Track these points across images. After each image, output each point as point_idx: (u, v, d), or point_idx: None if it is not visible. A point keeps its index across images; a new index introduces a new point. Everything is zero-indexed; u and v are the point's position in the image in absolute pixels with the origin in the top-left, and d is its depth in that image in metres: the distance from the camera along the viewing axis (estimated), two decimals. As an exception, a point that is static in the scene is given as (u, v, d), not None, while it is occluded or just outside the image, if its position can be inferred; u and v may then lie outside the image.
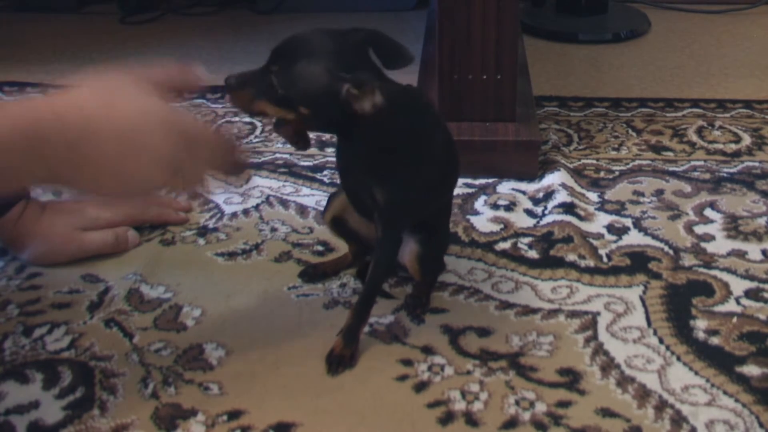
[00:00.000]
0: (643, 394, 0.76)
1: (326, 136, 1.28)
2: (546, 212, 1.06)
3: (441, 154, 0.83)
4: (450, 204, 0.92)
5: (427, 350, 0.83)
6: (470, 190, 1.12)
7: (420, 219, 0.85)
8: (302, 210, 1.08)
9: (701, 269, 0.94)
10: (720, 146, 1.23)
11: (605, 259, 0.96)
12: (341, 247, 0.98)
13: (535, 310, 0.88)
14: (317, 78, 0.71)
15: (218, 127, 0.76)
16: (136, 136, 0.68)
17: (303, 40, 0.73)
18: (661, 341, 0.83)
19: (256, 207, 1.10)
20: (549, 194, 1.09)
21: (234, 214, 1.08)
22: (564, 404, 0.75)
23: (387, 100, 0.71)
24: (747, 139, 1.25)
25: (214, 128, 0.77)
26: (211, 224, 1.07)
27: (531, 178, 1.14)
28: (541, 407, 0.75)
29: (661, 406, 0.75)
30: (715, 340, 0.83)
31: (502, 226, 1.04)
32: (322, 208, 1.07)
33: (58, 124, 0.67)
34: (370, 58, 0.75)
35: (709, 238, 1.00)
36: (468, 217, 1.06)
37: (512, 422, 0.74)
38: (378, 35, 0.75)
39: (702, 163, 1.18)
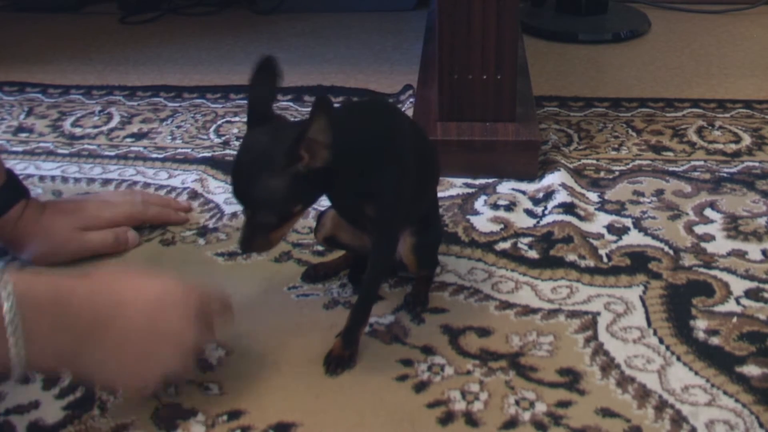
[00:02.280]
0: (643, 394, 0.76)
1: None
2: (546, 212, 1.06)
3: (418, 156, 0.82)
4: (436, 194, 0.92)
5: (427, 350, 0.83)
6: (470, 190, 1.12)
7: (414, 217, 0.85)
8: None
9: (701, 269, 0.94)
10: (720, 146, 1.23)
11: (605, 259, 0.96)
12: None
13: (535, 310, 0.88)
14: (277, 185, 0.71)
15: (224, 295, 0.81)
16: (161, 320, 0.70)
17: (245, 171, 0.72)
18: (661, 341, 0.83)
19: (256, 207, 1.10)
20: (549, 194, 1.09)
21: (234, 214, 1.08)
22: (564, 404, 0.75)
23: (338, 135, 0.70)
24: (747, 139, 1.25)
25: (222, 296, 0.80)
26: (211, 224, 1.07)
27: (531, 178, 1.14)
28: (541, 407, 0.75)
29: (661, 406, 0.75)
30: (715, 340, 0.83)
31: (502, 226, 1.04)
32: (322, 208, 1.07)
33: (90, 297, 0.68)
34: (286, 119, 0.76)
35: (709, 238, 1.00)
36: (468, 217, 1.06)
37: (512, 422, 0.74)
38: (252, 89, 0.75)
39: (702, 163, 1.18)
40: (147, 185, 1.18)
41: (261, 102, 0.74)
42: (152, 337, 0.70)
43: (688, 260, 0.96)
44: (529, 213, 1.07)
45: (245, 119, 0.75)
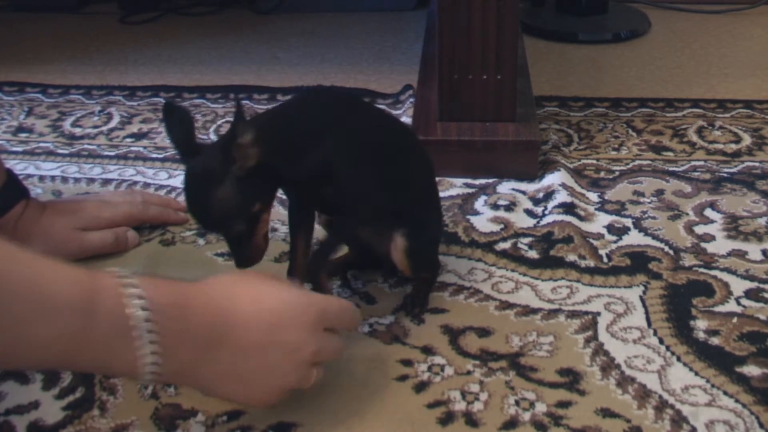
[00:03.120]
0: (643, 395, 0.76)
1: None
2: (546, 212, 1.06)
3: (387, 143, 0.83)
4: (433, 197, 0.91)
5: (427, 350, 0.83)
6: (470, 190, 1.12)
7: (396, 204, 0.84)
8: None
9: (701, 269, 0.94)
10: (720, 146, 1.23)
11: (605, 260, 0.96)
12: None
13: (535, 310, 0.88)
14: (225, 193, 0.72)
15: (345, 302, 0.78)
16: (278, 322, 0.68)
17: (196, 198, 0.74)
18: (661, 341, 0.83)
19: (256, 207, 1.10)
20: (549, 194, 1.09)
21: (234, 214, 1.08)
22: (564, 404, 0.75)
23: (267, 132, 0.73)
24: (747, 139, 1.25)
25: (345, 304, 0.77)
26: (211, 224, 1.06)
27: (531, 178, 1.14)
28: (541, 407, 0.75)
29: (661, 406, 0.75)
30: (715, 341, 0.83)
31: (502, 226, 1.04)
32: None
33: (208, 307, 0.66)
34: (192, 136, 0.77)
35: (710, 238, 1.00)
36: (468, 217, 1.06)
37: (512, 422, 0.74)
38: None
39: (702, 163, 1.18)
40: (147, 185, 1.18)
41: (183, 140, 0.76)
42: (270, 350, 0.67)
43: (688, 260, 0.96)
44: (529, 213, 1.07)
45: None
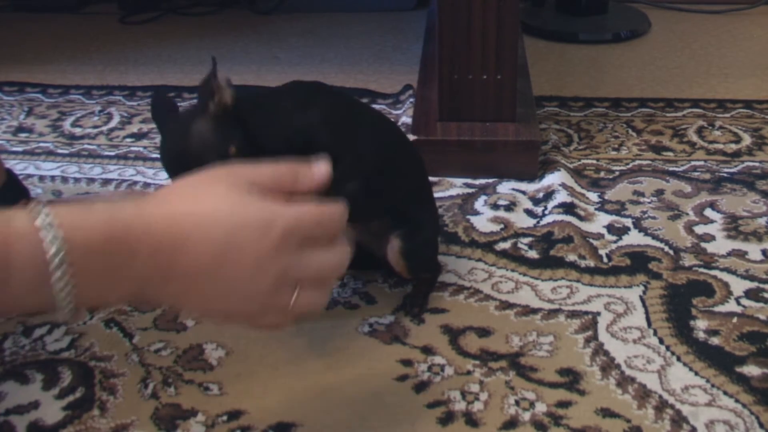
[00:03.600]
0: (643, 395, 0.76)
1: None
2: (546, 212, 1.06)
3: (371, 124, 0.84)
4: (427, 197, 0.91)
5: (427, 350, 0.83)
6: (470, 190, 1.12)
7: (386, 193, 0.84)
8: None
9: (701, 269, 0.94)
10: (720, 146, 1.23)
11: (605, 259, 0.96)
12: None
13: (535, 310, 0.88)
14: (205, 128, 0.72)
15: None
16: (231, 247, 0.58)
17: (177, 139, 0.74)
18: (661, 341, 0.83)
19: (256, 207, 1.10)
20: (549, 194, 1.09)
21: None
22: (564, 404, 0.75)
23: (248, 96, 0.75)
24: (747, 139, 1.25)
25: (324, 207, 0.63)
26: (211, 224, 1.06)
27: (531, 178, 1.14)
28: (541, 407, 0.75)
29: (661, 406, 0.75)
30: (715, 341, 0.83)
31: (502, 226, 1.04)
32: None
33: (147, 237, 0.57)
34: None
35: (710, 238, 1.00)
36: (468, 217, 1.06)
37: (512, 422, 0.74)
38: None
39: (702, 163, 1.18)
40: (147, 185, 1.18)
41: (162, 109, 0.77)
42: (220, 283, 0.59)
43: (688, 260, 0.96)
44: (529, 213, 1.07)
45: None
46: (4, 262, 0.54)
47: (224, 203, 0.59)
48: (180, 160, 0.71)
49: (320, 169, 0.64)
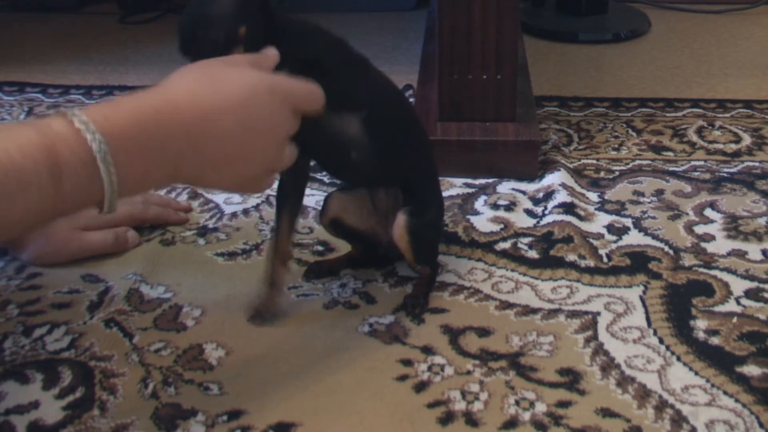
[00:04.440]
0: (643, 394, 0.76)
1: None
2: (546, 212, 1.06)
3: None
4: (433, 179, 0.92)
5: (427, 350, 0.83)
6: (470, 190, 1.12)
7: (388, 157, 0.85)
8: (302, 210, 1.08)
9: (701, 269, 0.94)
10: (720, 146, 1.23)
11: (605, 259, 0.96)
12: (341, 246, 0.98)
13: (535, 310, 0.88)
14: (221, 3, 0.75)
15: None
16: (250, 111, 0.69)
17: (194, 6, 0.77)
18: (661, 341, 0.83)
19: (256, 207, 1.10)
20: (549, 194, 1.09)
21: (234, 214, 1.08)
22: (564, 404, 0.75)
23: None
24: (747, 139, 1.25)
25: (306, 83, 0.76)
26: (211, 224, 1.07)
27: (531, 178, 1.14)
28: (541, 407, 0.75)
29: (661, 406, 0.75)
30: (715, 340, 0.83)
31: (502, 226, 1.04)
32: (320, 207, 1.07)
33: (177, 116, 0.66)
34: None
35: (709, 238, 1.00)
36: (468, 217, 1.06)
37: (512, 422, 0.74)
38: None
39: (702, 163, 1.18)
40: (147, 185, 1.18)
41: None
42: (248, 139, 0.69)
43: (688, 260, 0.96)
44: (529, 213, 1.07)
45: None
46: (55, 166, 0.59)
47: (234, 76, 0.69)
48: (189, 27, 0.75)
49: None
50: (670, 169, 1.17)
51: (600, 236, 1.01)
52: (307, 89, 0.74)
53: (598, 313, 0.87)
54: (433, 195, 0.91)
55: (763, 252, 0.97)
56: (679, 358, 0.80)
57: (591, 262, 0.96)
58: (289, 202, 0.87)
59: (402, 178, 0.88)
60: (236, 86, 0.69)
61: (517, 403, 0.76)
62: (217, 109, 0.67)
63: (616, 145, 1.24)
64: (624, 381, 0.78)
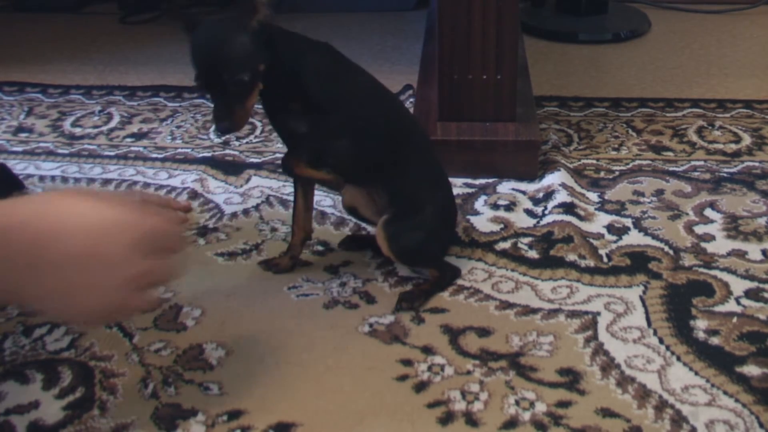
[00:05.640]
0: (643, 394, 0.76)
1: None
2: (546, 212, 1.06)
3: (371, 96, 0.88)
4: (432, 183, 0.92)
5: (427, 350, 0.83)
6: (470, 190, 1.12)
7: (361, 162, 0.87)
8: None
9: (701, 269, 0.94)
10: (720, 146, 1.23)
11: (605, 259, 0.96)
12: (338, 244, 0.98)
13: (535, 310, 0.88)
14: (245, 40, 0.78)
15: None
16: (104, 238, 0.66)
17: (211, 44, 0.78)
18: (661, 341, 0.83)
19: (256, 207, 1.10)
20: (549, 194, 1.09)
21: (234, 214, 1.08)
22: (564, 404, 0.75)
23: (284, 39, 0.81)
24: (747, 139, 1.25)
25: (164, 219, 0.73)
26: (211, 224, 1.07)
27: (531, 178, 1.14)
28: (541, 407, 0.75)
29: (661, 406, 0.75)
30: (715, 340, 0.83)
31: (502, 226, 1.04)
32: (321, 208, 1.07)
33: (23, 225, 0.64)
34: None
35: (709, 238, 1.00)
36: (468, 217, 1.06)
37: (512, 422, 0.74)
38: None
39: (702, 163, 1.18)
40: (147, 185, 1.18)
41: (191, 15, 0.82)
42: (92, 264, 0.65)
43: (688, 260, 0.96)
44: (529, 213, 1.07)
45: None
46: None
47: (93, 205, 0.67)
48: (211, 61, 0.77)
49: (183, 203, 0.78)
50: (670, 169, 1.17)
51: (600, 236, 1.01)
52: (166, 232, 0.71)
53: (598, 313, 0.87)
54: (425, 199, 0.90)
55: (763, 252, 0.97)
56: (679, 358, 0.80)
57: (591, 262, 0.96)
58: (302, 184, 0.92)
59: (384, 182, 0.89)
60: (93, 215, 0.67)
61: (517, 403, 0.76)
62: (68, 228, 0.65)
63: (616, 145, 1.24)
64: (624, 381, 0.78)
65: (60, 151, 1.31)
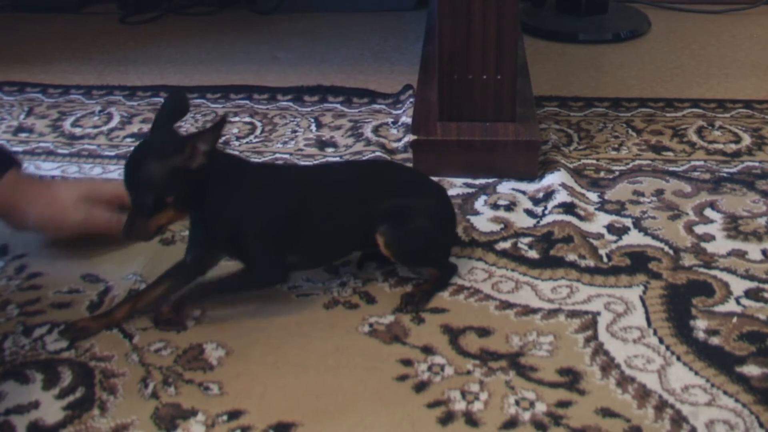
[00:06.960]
0: (643, 394, 0.76)
1: (325, 136, 1.29)
2: (546, 212, 1.06)
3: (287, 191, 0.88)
4: (420, 189, 0.93)
5: (427, 350, 0.83)
6: (470, 190, 1.12)
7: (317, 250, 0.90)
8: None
9: (701, 269, 0.94)
10: (720, 146, 1.23)
11: (605, 259, 0.96)
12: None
13: (535, 310, 0.88)
14: (158, 170, 0.80)
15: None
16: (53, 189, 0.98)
17: (135, 158, 0.82)
18: (661, 341, 0.83)
19: (256, 207, 1.10)
20: (549, 194, 1.09)
21: (234, 214, 1.08)
22: (564, 404, 0.75)
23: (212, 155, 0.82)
24: (747, 139, 1.25)
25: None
26: (211, 224, 1.06)
27: (531, 178, 1.14)
28: (541, 407, 0.75)
29: (661, 406, 0.75)
30: (715, 340, 0.83)
31: (502, 226, 1.04)
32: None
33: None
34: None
35: (709, 238, 1.00)
36: (468, 217, 1.06)
37: (512, 422, 0.74)
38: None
39: (702, 163, 1.18)
40: (147, 185, 1.18)
41: (164, 119, 0.85)
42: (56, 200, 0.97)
43: (688, 260, 0.96)
44: (529, 213, 1.07)
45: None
46: None
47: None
48: (129, 174, 0.82)
49: None
50: (670, 169, 1.17)
51: (600, 236, 1.01)
52: (116, 197, 0.99)
53: (598, 313, 0.87)
54: (420, 204, 0.90)
55: (763, 252, 0.97)
56: (679, 358, 0.80)
57: (591, 262, 0.96)
58: (176, 273, 0.90)
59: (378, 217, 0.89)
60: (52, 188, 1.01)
61: (517, 403, 0.76)
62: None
63: (616, 145, 1.24)
64: (624, 381, 0.78)
65: (60, 151, 1.31)
